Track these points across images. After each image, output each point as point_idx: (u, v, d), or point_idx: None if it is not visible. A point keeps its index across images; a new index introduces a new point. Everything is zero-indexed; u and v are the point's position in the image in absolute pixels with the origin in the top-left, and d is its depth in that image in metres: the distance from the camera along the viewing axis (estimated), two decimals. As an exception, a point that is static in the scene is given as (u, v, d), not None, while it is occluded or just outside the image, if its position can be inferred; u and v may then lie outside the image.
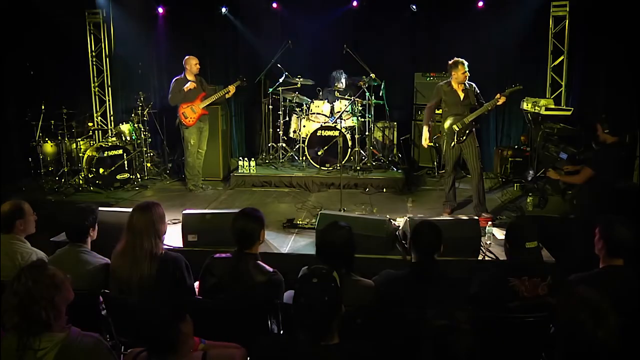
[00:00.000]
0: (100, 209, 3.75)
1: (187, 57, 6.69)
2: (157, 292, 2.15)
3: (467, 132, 5.45)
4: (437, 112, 5.81)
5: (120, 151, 7.03)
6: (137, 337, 2.16)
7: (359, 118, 7.42)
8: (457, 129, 5.42)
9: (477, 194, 5.53)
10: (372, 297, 2.80)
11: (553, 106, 6.35)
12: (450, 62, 5.45)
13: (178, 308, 2.11)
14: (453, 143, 5.48)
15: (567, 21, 7.12)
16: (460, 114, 5.44)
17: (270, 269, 2.95)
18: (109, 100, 8.38)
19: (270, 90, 7.58)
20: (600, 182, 4.61)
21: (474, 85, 5.57)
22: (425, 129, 5.69)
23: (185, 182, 6.99)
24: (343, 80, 7.69)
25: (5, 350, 2.08)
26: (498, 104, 5.35)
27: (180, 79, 6.70)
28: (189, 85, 6.59)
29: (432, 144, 5.78)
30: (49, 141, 7.00)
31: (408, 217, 4.69)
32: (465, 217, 4.65)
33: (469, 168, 5.65)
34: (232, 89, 6.78)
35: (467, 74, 5.36)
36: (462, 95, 5.45)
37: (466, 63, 5.37)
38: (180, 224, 4.61)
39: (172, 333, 2.01)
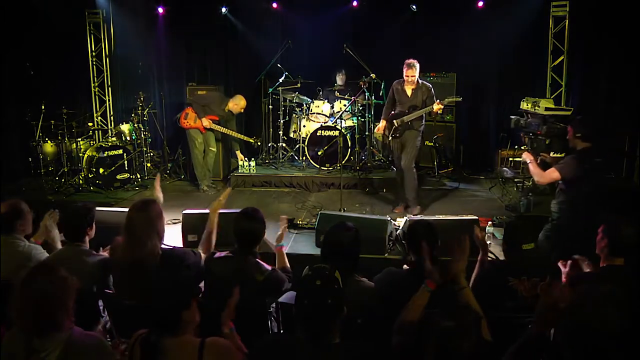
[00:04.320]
0: (99, 208, 3.75)
1: (240, 95, 6.84)
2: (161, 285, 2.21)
3: (405, 130, 5.75)
4: (436, 110, 5.82)
5: (120, 151, 7.03)
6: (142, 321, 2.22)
7: (359, 118, 7.42)
8: (395, 125, 5.75)
9: (406, 190, 5.86)
10: (373, 298, 2.80)
11: (553, 106, 6.35)
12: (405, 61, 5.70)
13: (185, 294, 2.18)
14: (389, 138, 5.85)
15: (567, 21, 7.11)
16: (406, 113, 5.73)
17: (269, 267, 2.96)
18: (109, 100, 8.37)
19: (270, 90, 7.58)
20: (574, 189, 4.26)
21: (429, 86, 5.78)
22: (382, 122, 5.95)
23: (198, 184, 7.00)
24: (340, 78, 7.71)
25: (7, 348, 2.08)
26: (434, 110, 5.63)
27: (221, 95, 6.90)
28: (204, 123, 6.71)
29: (390, 137, 5.86)
30: (49, 141, 6.99)
31: (408, 217, 4.69)
32: (465, 217, 4.64)
33: (401, 163, 5.87)
34: (240, 136, 7.03)
35: (412, 78, 5.62)
36: (410, 95, 5.72)
37: (416, 66, 5.60)
38: (180, 224, 4.61)
39: (174, 317, 2.10)
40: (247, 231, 2.96)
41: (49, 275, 2.12)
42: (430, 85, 5.83)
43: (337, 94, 7.62)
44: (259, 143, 7.17)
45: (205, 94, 6.87)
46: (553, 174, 4.25)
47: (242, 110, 6.82)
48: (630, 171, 6.67)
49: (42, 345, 2.05)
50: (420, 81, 5.73)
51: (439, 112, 5.78)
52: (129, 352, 2.14)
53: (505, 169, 6.13)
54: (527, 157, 4.54)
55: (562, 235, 4.10)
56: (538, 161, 4.59)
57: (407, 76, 5.63)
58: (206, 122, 6.71)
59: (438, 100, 5.61)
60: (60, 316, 2.08)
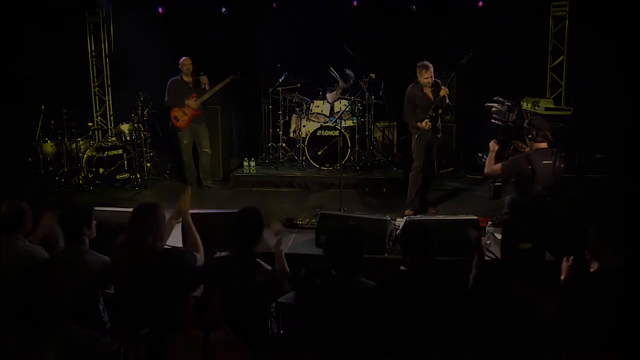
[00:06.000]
0: (99, 208, 3.74)
1: (182, 58, 6.75)
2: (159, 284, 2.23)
3: (431, 130, 5.62)
4: (442, 95, 5.71)
5: (120, 151, 7.03)
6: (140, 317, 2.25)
7: (359, 118, 7.42)
8: (430, 115, 5.56)
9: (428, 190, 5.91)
10: (373, 298, 2.81)
11: (553, 106, 6.35)
12: (418, 64, 5.59)
13: (182, 287, 2.24)
14: (425, 121, 5.53)
15: (567, 21, 7.12)
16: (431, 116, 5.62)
17: (270, 268, 2.96)
18: (109, 100, 8.37)
19: (270, 90, 7.58)
20: (522, 189, 4.16)
21: (439, 83, 5.71)
22: (425, 122, 5.71)
23: (186, 183, 7.01)
24: (349, 81, 7.70)
25: (5, 347, 2.08)
26: (440, 95, 5.47)
27: (176, 79, 6.73)
28: (191, 105, 6.66)
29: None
30: (49, 141, 7.00)
31: (407, 218, 4.69)
32: (464, 217, 4.63)
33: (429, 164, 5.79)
34: (223, 83, 6.90)
35: (430, 79, 5.53)
36: (432, 98, 5.61)
37: (431, 67, 5.52)
38: (180, 224, 4.59)
39: (174, 310, 2.14)
40: (244, 230, 2.96)
41: (43, 276, 2.12)
42: (440, 82, 5.76)
43: (337, 93, 7.61)
44: (238, 73, 7.06)
45: (167, 90, 6.77)
46: (497, 169, 4.19)
47: (191, 66, 6.72)
48: (630, 171, 6.67)
49: (40, 345, 2.05)
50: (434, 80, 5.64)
51: (446, 96, 5.56)
52: (135, 349, 2.15)
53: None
54: (492, 145, 4.44)
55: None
56: (511, 148, 4.49)
57: (426, 78, 5.51)
58: (193, 104, 6.69)
59: (443, 86, 5.51)
60: (54, 316, 2.08)
